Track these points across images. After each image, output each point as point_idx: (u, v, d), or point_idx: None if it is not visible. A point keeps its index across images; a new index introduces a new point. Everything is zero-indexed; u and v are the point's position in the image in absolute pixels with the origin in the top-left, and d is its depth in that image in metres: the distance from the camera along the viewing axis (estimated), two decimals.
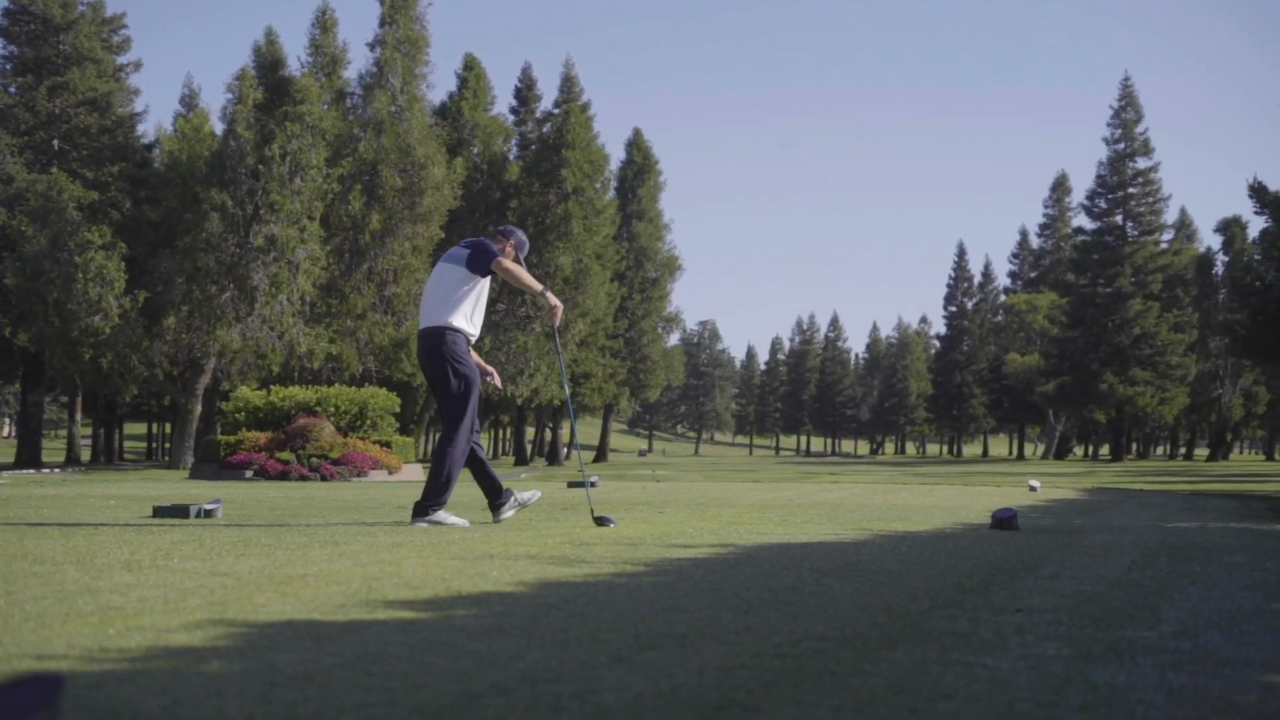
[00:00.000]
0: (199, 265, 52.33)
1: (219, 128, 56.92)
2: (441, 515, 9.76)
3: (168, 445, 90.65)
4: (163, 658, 3.49)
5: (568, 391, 10.90)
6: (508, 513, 10.17)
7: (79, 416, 75.21)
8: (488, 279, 9.90)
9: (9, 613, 4.34)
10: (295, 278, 53.09)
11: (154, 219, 56.79)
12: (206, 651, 3.61)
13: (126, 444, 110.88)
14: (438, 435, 10.37)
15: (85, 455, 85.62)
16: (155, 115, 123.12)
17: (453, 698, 3.03)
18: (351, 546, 7.42)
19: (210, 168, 53.60)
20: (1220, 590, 5.95)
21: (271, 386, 37.53)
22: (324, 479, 30.42)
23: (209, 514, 10.72)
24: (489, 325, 64.11)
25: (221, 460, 32.58)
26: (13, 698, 2.27)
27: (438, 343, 9.67)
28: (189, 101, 72.58)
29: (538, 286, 9.78)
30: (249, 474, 31.26)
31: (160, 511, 10.88)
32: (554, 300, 9.83)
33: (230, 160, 53.12)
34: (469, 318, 9.81)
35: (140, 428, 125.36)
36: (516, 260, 10.09)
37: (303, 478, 30.50)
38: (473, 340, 9.92)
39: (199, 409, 57.32)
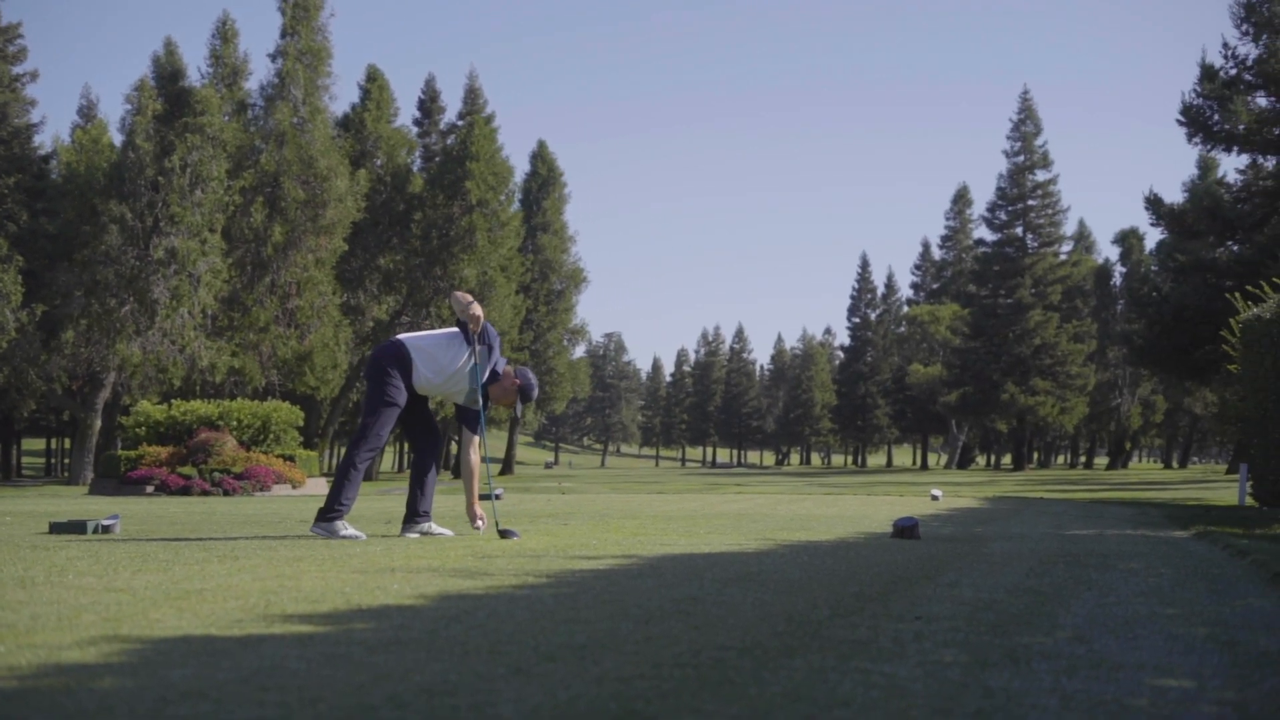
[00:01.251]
0: (98, 278, 51.68)
1: (118, 139, 56.29)
2: (339, 525, 9.78)
3: (67, 461, 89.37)
4: (54, 675, 3.44)
5: (481, 402, 10.82)
6: (412, 533, 10.11)
7: None
8: (468, 358, 10.09)
9: None
10: (196, 291, 52.55)
11: (51, 231, 55.99)
12: (99, 668, 3.56)
13: (24, 460, 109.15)
14: (343, 449, 10.41)
15: None
16: (52, 126, 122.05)
17: (348, 711, 3.01)
18: (251, 561, 7.35)
19: (109, 179, 52.99)
20: (1115, 596, 6.03)
21: (173, 400, 37.10)
22: (226, 494, 30.11)
23: (107, 530, 10.57)
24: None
25: (122, 475, 32.15)
26: None
27: (385, 356, 9.98)
28: (87, 112, 71.69)
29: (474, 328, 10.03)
30: (150, 489, 30.88)
31: (56, 528, 10.72)
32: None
33: (129, 172, 52.54)
34: (431, 360, 10.03)
35: (39, 443, 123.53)
36: (509, 395, 10.42)
37: (205, 492, 30.17)
38: (417, 384, 10.05)
39: (99, 424, 56.58)
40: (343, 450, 78.79)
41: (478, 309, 9.90)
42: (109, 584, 5.91)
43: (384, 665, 3.63)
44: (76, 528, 10.52)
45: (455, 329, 10.16)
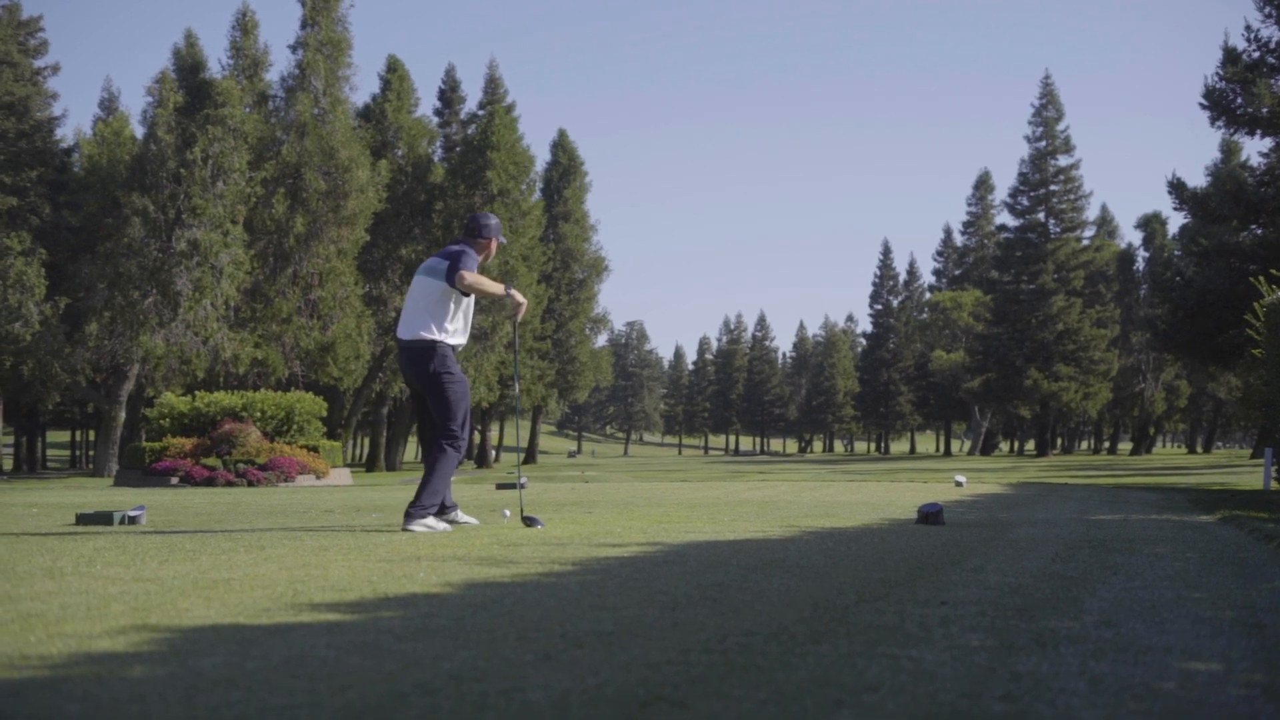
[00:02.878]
0: (121, 270, 51.80)
1: (139, 131, 56.45)
2: (432, 521, 9.67)
3: (92, 453, 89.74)
4: (84, 664, 3.46)
5: (518, 390, 10.81)
6: (418, 527, 9.62)
7: (0, 424, 74.27)
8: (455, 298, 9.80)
9: None
10: (219, 282, 52.65)
11: (74, 224, 56.13)
12: (129, 657, 3.58)
13: (50, 452, 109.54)
14: (367, 440, 10.30)
15: (8, 464, 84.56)
16: (74, 119, 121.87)
17: (378, 698, 3.02)
18: (277, 551, 7.38)
19: (131, 172, 53.10)
20: (1141, 580, 6.02)
21: (196, 392, 37.17)
22: (250, 484, 30.20)
23: (133, 521, 10.62)
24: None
25: (146, 467, 32.26)
26: None
27: (426, 357, 9.64)
28: (108, 105, 71.93)
29: (500, 289, 9.72)
30: (175, 480, 30.98)
31: (84, 519, 10.77)
32: (519, 297, 9.82)
33: (151, 164, 52.65)
34: (454, 328, 9.79)
35: (64, 435, 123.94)
36: (495, 250, 10.20)
37: (229, 483, 30.27)
38: (459, 349, 9.92)
39: (123, 416, 56.77)
40: (367, 441, 78.69)
41: (518, 296, 9.83)
42: (137, 574, 5.94)
43: (413, 653, 3.64)
44: (103, 519, 10.57)
45: (430, 280, 9.74)
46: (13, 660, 3.51)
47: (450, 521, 10.01)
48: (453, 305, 9.70)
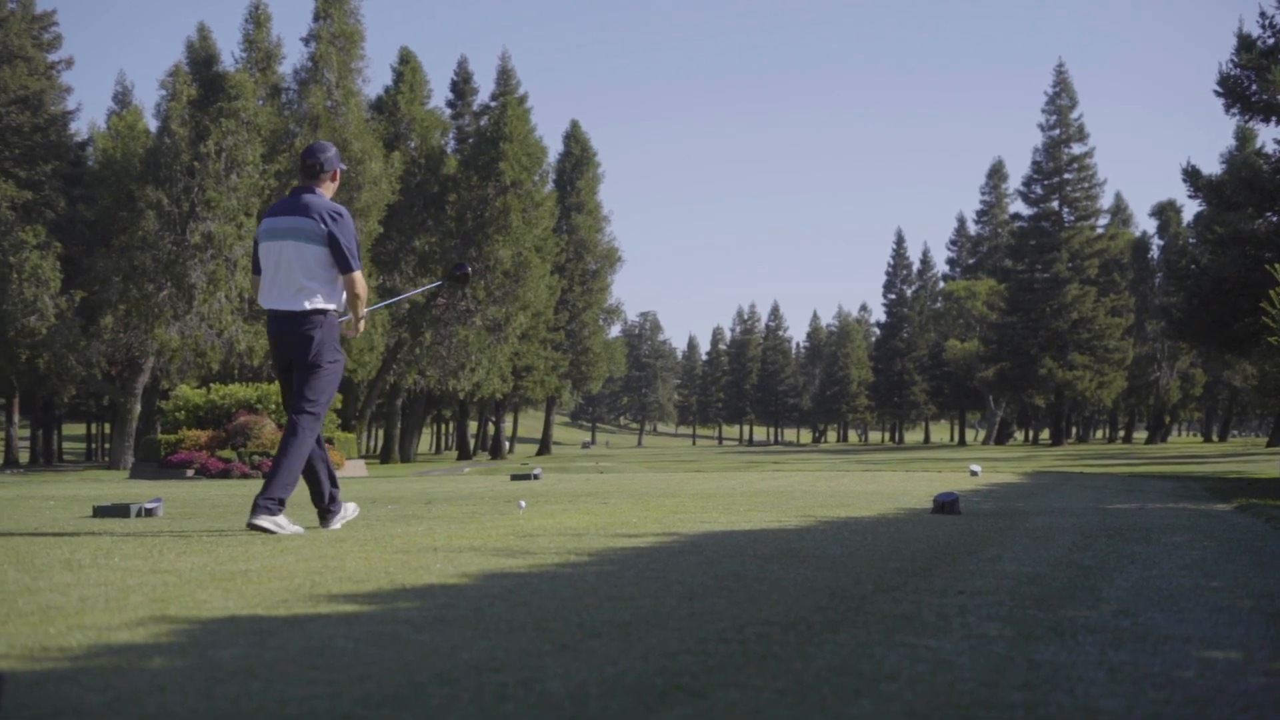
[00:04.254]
0: (135, 264, 51.93)
1: (153, 125, 56.53)
2: (283, 519, 8.67)
3: (107, 445, 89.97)
4: (104, 655, 3.47)
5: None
6: (337, 524, 9.13)
7: (16, 418, 74.44)
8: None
9: None
10: (233, 275, 52.76)
11: (89, 218, 56.26)
12: (148, 648, 3.59)
13: (65, 445, 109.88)
14: (381, 431, 9.96)
15: (24, 457, 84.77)
16: (88, 113, 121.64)
17: (397, 689, 3.03)
18: (294, 542, 7.40)
19: (145, 165, 53.21)
20: (1159, 569, 6.01)
21: (211, 384, 37.26)
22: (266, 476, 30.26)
23: (150, 513, 10.64)
24: (430, 320, 63.92)
25: (162, 459, 32.35)
26: None
27: (313, 327, 8.76)
28: (122, 99, 71.99)
29: (361, 311, 9.08)
30: (190, 473, 31.07)
31: (100, 511, 10.79)
32: (361, 326, 9.24)
33: (165, 157, 52.75)
34: (337, 293, 8.96)
35: (79, 428, 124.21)
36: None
37: (244, 475, 30.35)
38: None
39: (138, 408, 56.93)
40: (381, 433, 78.62)
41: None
42: (155, 566, 5.96)
43: (431, 643, 3.64)
44: (120, 511, 10.59)
45: (312, 247, 8.75)
46: (33, 652, 3.52)
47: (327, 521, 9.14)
48: (333, 271, 8.86)
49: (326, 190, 9.04)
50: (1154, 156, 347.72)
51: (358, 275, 8.88)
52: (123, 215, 53.18)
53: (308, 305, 8.72)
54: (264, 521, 8.38)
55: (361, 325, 9.22)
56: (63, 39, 66.50)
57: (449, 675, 3.18)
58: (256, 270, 8.99)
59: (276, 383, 38.16)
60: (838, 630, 3.94)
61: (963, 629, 3.99)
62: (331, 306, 8.82)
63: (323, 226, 8.71)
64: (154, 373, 57.29)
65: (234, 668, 3.28)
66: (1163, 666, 3.43)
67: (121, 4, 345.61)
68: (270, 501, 8.49)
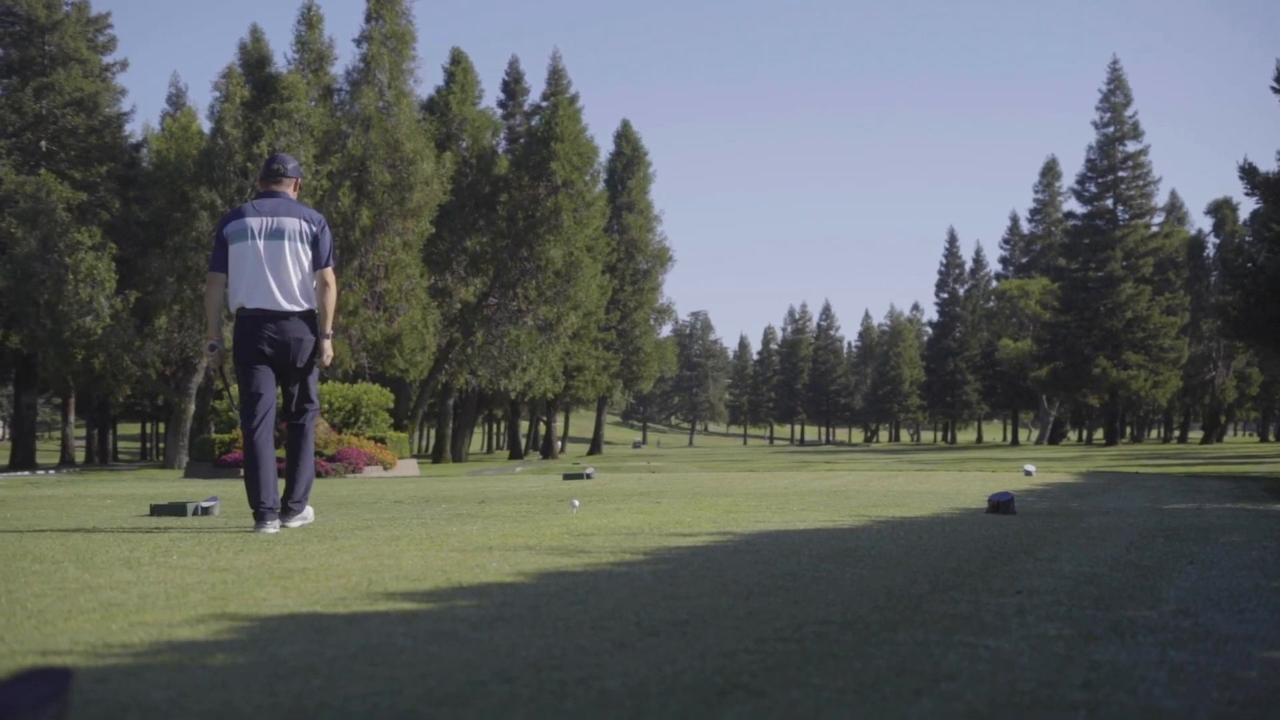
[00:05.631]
0: (189, 264, 52.27)
1: (206, 126, 56.86)
2: (309, 511, 9.36)
3: (162, 445, 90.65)
4: (166, 652, 3.50)
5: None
6: (295, 522, 9.18)
7: (72, 418, 75.13)
8: None
9: (11, 611, 4.34)
10: None
11: (143, 219, 56.68)
12: (210, 645, 3.62)
13: (120, 444, 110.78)
14: (433, 431, 10.08)
15: (80, 456, 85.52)
16: (142, 115, 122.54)
17: (458, 686, 3.04)
18: (350, 541, 7.44)
19: (199, 166, 53.53)
20: (1218, 569, 5.97)
21: None
22: (319, 476, 30.39)
23: (206, 511, 10.72)
24: (482, 320, 64.07)
25: (216, 459, 32.54)
26: (22, 691, 2.27)
27: (312, 329, 9.02)
28: (176, 100, 72.48)
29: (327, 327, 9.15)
30: (243, 472, 31.25)
31: (157, 510, 10.87)
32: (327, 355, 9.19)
33: (218, 159, 53.08)
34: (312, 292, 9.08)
35: (134, 428, 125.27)
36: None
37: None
38: None
39: (193, 408, 57.35)
40: (433, 432, 78.87)
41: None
42: (213, 564, 6.01)
43: (489, 641, 3.66)
44: (176, 510, 10.67)
45: (304, 248, 8.96)
46: (96, 648, 3.55)
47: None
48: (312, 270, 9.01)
49: (294, 195, 9.18)
50: (1210, 154, 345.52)
51: (328, 271, 9.01)
52: (176, 216, 53.53)
53: (306, 306, 8.94)
54: (295, 522, 9.03)
55: (327, 346, 9.19)
56: (117, 41, 67.18)
57: (508, 673, 3.19)
58: (219, 268, 8.97)
59: (328, 382, 38.39)
60: (896, 630, 3.93)
61: (1021, 629, 3.97)
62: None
63: (312, 228, 8.93)
64: (207, 372, 57.69)
65: (295, 664, 3.30)
66: (1225, 667, 3.40)
67: (176, 7, 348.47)
68: (297, 504, 9.12)
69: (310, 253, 8.93)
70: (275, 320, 8.84)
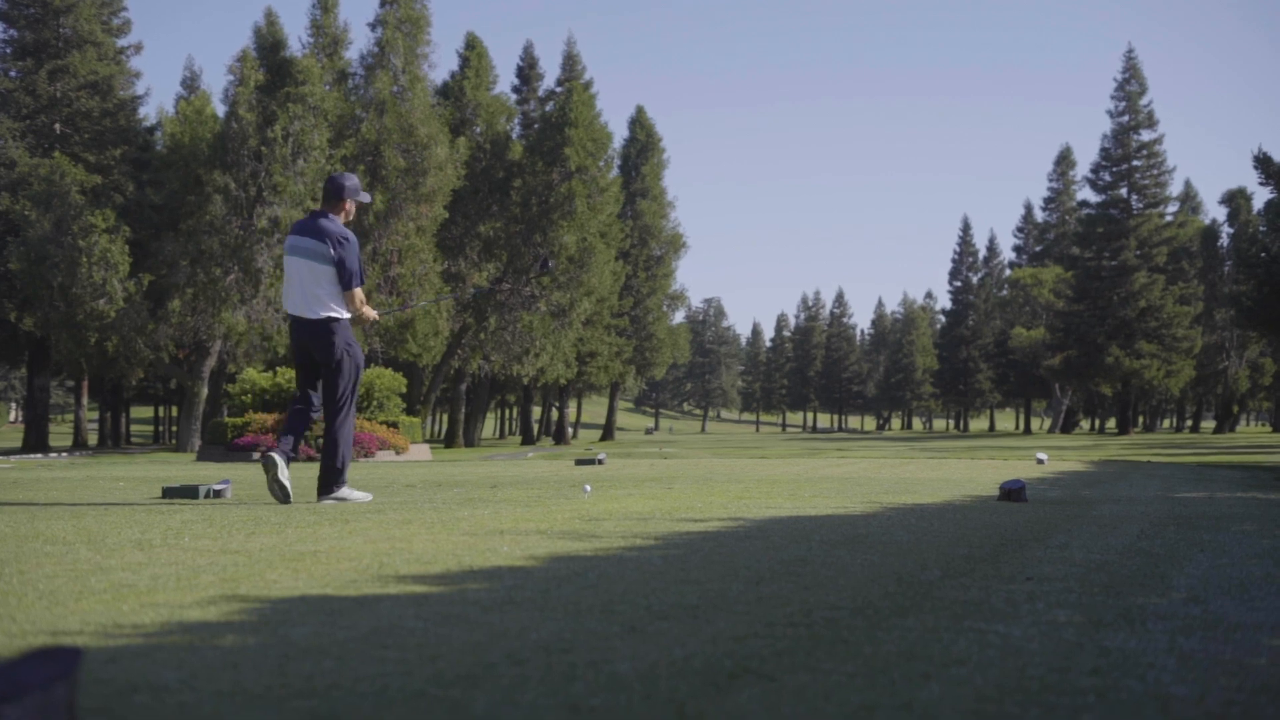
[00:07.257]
0: (203, 248, 52.29)
1: (221, 110, 56.85)
2: (346, 491, 10.21)
3: (174, 428, 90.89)
4: (178, 633, 3.51)
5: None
6: (328, 500, 10.15)
7: (85, 400, 75.30)
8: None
9: (22, 591, 4.36)
10: None
11: (157, 202, 56.65)
12: (221, 626, 3.63)
13: (133, 427, 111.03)
14: (445, 416, 10.39)
15: (92, 439, 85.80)
16: (157, 98, 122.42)
17: (468, 668, 3.05)
18: (361, 524, 7.45)
19: (213, 150, 53.52)
20: (1229, 558, 5.96)
21: (277, 368, 37.46)
22: None
23: (218, 494, 10.74)
24: (494, 305, 64.08)
25: (229, 442, 32.56)
26: (32, 670, 2.28)
27: (330, 333, 10.23)
28: (190, 84, 72.49)
29: (367, 315, 10.62)
30: (256, 455, 31.27)
31: (169, 492, 10.90)
32: (372, 314, 10.70)
33: (233, 142, 53.06)
34: (342, 302, 10.31)
35: (147, 411, 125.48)
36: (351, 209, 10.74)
37: (310, 459, 30.52)
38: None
39: (205, 391, 57.40)
40: (445, 417, 79.13)
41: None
42: (224, 546, 6.02)
43: (500, 624, 3.67)
44: (189, 492, 10.69)
45: (319, 266, 10.29)
46: (107, 629, 3.57)
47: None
48: (338, 283, 10.26)
49: (341, 216, 10.56)
50: (1224, 144, 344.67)
51: (357, 292, 10.35)
52: (190, 200, 53.53)
53: (323, 314, 10.24)
54: (326, 501, 10.06)
55: (372, 314, 10.74)
56: (132, 24, 67.21)
57: (519, 655, 3.20)
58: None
59: None
60: (906, 615, 3.93)
61: (1031, 615, 3.97)
62: (344, 314, 10.36)
63: (332, 251, 10.20)
64: (221, 356, 57.78)
65: (306, 646, 3.31)
66: (1234, 654, 3.40)
67: None
68: (326, 487, 10.25)
69: (331, 270, 10.22)
70: (305, 325, 10.28)
